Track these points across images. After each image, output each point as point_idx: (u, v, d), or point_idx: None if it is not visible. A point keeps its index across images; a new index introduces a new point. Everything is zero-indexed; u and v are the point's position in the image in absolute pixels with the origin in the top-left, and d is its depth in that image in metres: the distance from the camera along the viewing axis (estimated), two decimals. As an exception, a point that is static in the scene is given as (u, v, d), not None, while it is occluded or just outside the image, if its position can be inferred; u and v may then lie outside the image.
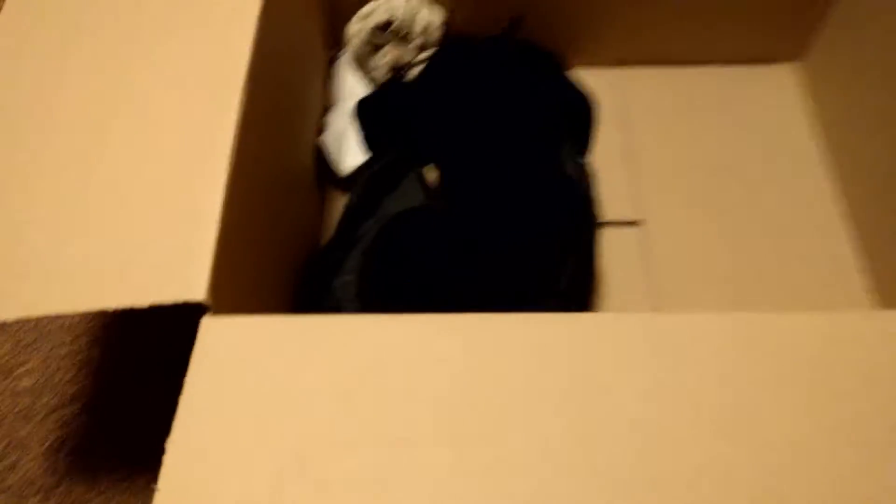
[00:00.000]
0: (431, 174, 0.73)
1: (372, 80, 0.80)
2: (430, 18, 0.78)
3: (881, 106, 0.70)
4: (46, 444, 0.70)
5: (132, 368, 0.75)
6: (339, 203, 0.78)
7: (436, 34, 0.80)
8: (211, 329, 0.38)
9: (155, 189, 0.43)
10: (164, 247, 0.41)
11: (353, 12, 0.81)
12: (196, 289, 0.39)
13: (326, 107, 0.82)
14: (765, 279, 0.71)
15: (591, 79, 0.82)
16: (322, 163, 0.78)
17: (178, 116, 0.46)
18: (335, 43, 0.85)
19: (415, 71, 0.80)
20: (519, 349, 0.35)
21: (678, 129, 0.82)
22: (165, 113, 0.47)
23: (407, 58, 0.78)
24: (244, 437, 0.33)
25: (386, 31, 0.77)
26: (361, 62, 0.78)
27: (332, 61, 0.85)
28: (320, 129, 0.79)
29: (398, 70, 0.78)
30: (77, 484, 0.68)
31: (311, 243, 0.75)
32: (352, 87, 0.80)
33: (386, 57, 0.77)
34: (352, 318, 0.38)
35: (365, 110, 0.77)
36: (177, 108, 0.47)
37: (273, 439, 0.33)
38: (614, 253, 0.72)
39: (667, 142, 0.81)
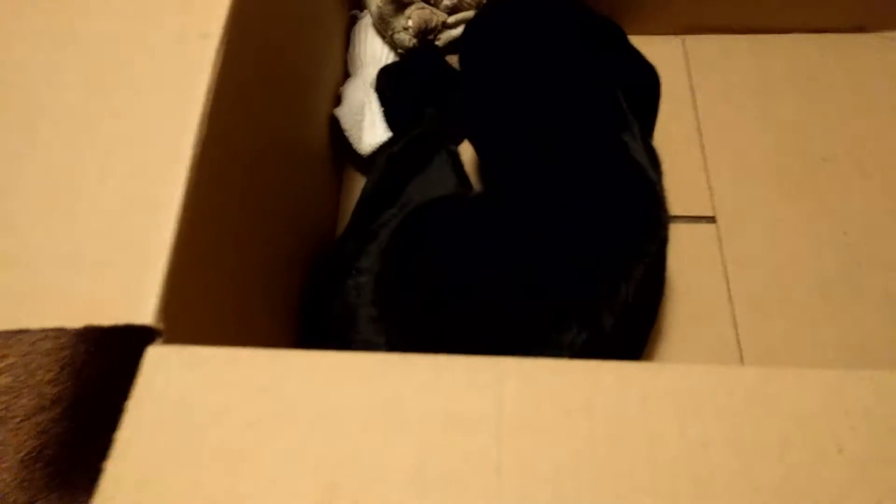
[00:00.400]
0: (465, 154, 0.63)
1: (395, 44, 0.69)
2: (460, -25, 0.68)
3: None
4: (22, 453, 0.62)
5: (121, 370, 0.66)
6: (360, 186, 0.69)
7: None
8: (156, 361, 0.28)
9: (102, 176, 0.33)
10: (111, 250, 0.31)
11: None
12: (144, 309, 0.29)
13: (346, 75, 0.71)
14: (863, 289, 0.59)
15: (653, 49, 0.69)
16: (339, 139, 0.68)
17: (139, 82, 0.36)
18: (356, 2, 0.75)
19: (445, 36, 0.69)
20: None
21: (754, 108, 0.70)
22: (124, 75, 0.36)
23: (435, 21, 0.67)
24: (175, 483, 0.26)
25: None
26: (383, 24, 0.67)
27: (351, 23, 0.74)
28: (338, 100, 0.68)
29: (425, 34, 0.67)
30: (54, 500, 0.60)
31: (324, 235, 0.65)
32: (374, 52, 0.70)
33: (411, 19, 0.66)
34: (342, 358, 0.27)
35: (388, 80, 0.67)
36: (139, 71, 0.37)
37: (207, 488, 0.26)
38: (685, 254, 0.61)
39: (742, 123, 0.69)
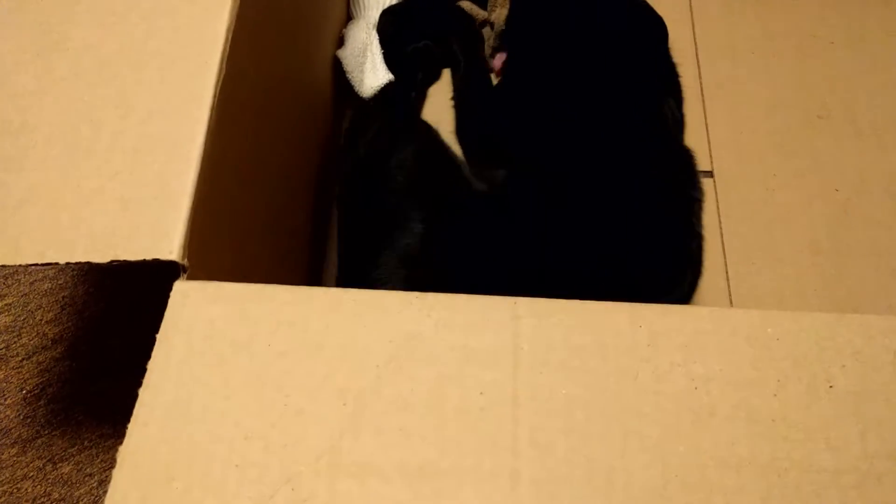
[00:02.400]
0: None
1: None
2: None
3: None
4: (24, 391, 0.63)
5: (121, 309, 0.67)
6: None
7: None
8: (183, 295, 0.29)
9: (124, 114, 0.33)
10: (134, 187, 0.32)
11: None
12: (169, 245, 0.30)
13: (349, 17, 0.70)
14: (851, 243, 0.61)
15: (657, 2, 0.69)
16: (341, 79, 0.67)
17: (157, 24, 0.36)
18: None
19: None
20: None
21: (755, 64, 0.70)
22: (141, 18, 0.36)
23: None
24: (209, 409, 0.28)
25: None
26: None
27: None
28: (341, 41, 0.68)
29: None
30: (57, 437, 0.61)
31: (328, 171, 0.65)
32: (377, -7, 0.69)
33: None
34: (364, 295, 0.29)
35: (392, 21, 0.66)
36: (157, 14, 0.36)
37: (236, 414, 0.27)
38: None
39: (742, 79, 0.70)
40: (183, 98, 0.33)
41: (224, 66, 0.34)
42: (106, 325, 0.66)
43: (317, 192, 0.63)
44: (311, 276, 0.60)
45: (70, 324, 0.67)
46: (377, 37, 0.66)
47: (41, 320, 0.67)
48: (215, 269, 0.35)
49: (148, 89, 0.34)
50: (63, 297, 0.68)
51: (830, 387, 0.26)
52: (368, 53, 0.65)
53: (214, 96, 0.33)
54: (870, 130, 0.66)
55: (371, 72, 0.65)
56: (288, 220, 0.53)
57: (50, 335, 0.66)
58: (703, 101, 0.68)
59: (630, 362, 0.27)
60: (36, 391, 0.63)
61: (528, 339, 0.27)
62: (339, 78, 0.66)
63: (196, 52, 0.35)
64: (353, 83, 0.65)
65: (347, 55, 0.65)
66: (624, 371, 0.26)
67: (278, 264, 0.49)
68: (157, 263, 0.30)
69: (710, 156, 0.65)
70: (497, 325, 0.28)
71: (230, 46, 0.35)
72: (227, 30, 0.35)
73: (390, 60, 0.66)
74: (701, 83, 0.69)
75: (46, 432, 0.61)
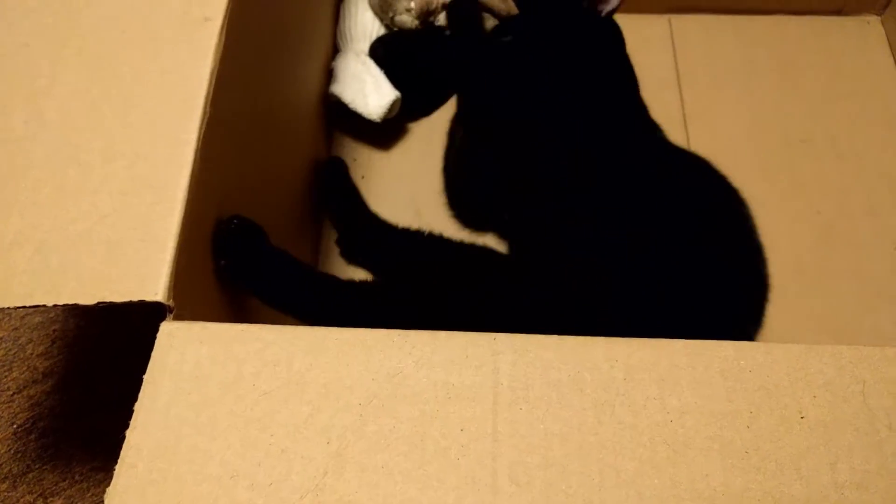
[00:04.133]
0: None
1: (395, 25, 0.69)
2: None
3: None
4: (15, 426, 0.63)
5: (113, 341, 0.67)
6: (348, 153, 0.70)
7: None
8: (170, 336, 0.30)
9: (110, 157, 0.34)
10: (121, 230, 0.33)
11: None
12: (155, 286, 0.31)
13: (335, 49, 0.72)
14: (834, 266, 0.62)
15: (640, 27, 0.71)
16: (328, 110, 0.68)
17: (143, 66, 0.37)
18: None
19: (444, 17, 0.69)
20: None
21: (737, 88, 0.72)
22: (128, 59, 0.37)
23: (436, 2, 0.68)
24: (195, 449, 0.28)
25: None
26: (385, 5, 0.67)
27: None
28: (330, 74, 0.69)
29: (427, 16, 0.68)
30: (48, 471, 0.61)
31: (314, 216, 0.66)
32: (364, 27, 0.70)
33: (414, 1, 0.67)
34: (346, 333, 0.29)
35: (389, 51, 0.67)
36: (143, 54, 0.37)
37: (222, 454, 0.28)
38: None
39: (724, 103, 0.71)
40: (168, 141, 0.34)
41: (208, 108, 0.35)
42: (97, 357, 0.66)
43: (306, 223, 0.63)
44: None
45: (61, 357, 0.67)
46: (371, 62, 0.67)
47: (32, 354, 0.67)
48: (203, 308, 0.35)
49: (134, 133, 0.35)
50: (54, 331, 0.68)
51: (801, 417, 0.27)
52: (367, 77, 0.66)
53: (199, 139, 0.34)
54: (850, 153, 0.68)
55: (375, 93, 0.65)
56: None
57: (41, 369, 0.66)
58: (686, 126, 0.70)
59: (606, 396, 0.27)
60: (27, 425, 0.63)
61: (508, 375, 0.28)
62: (327, 109, 0.67)
63: (181, 96, 0.35)
64: (358, 111, 0.65)
65: (344, 87, 0.66)
66: (601, 405, 0.27)
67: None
68: (143, 305, 0.30)
69: (694, 180, 0.66)
70: (477, 362, 0.28)
71: (214, 89, 0.36)
72: (211, 73, 0.36)
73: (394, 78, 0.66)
74: (683, 109, 0.71)
75: (37, 467, 0.61)
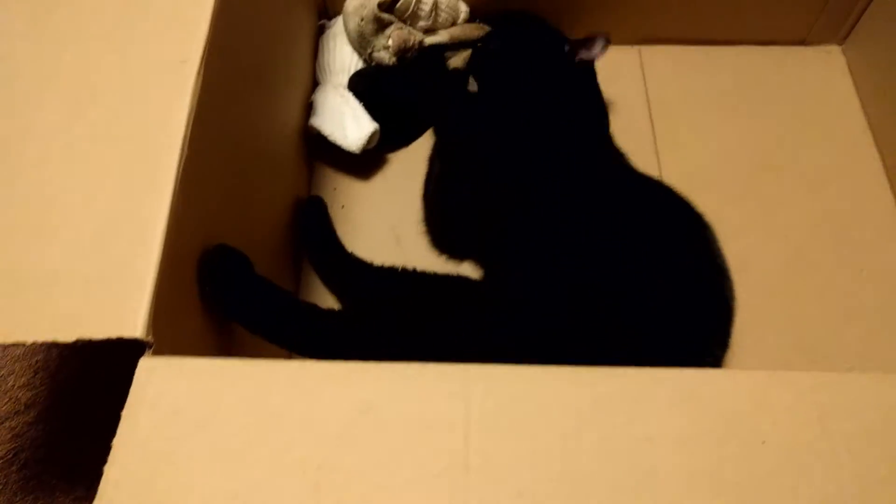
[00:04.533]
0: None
1: (373, 61, 0.71)
2: (438, -1, 0.70)
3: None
4: (-3, 457, 0.63)
5: (96, 371, 0.67)
6: (328, 183, 0.71)
7: (443, 16, 0.71)
8: (148, 371, 0.30)
9: (90, 196, 0.35)
10: (100, 267, 0.33)
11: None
12: (133, 322, 0.31)
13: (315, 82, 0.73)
14: (801, 289, 0.64)
15: (611, 58, 0.73)
16: (308, 144, 0.69)
17: (122, 106, 0.38)
18: (324, 12, 0.77)
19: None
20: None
21: (705, 117, 0.74)
22: (107, 100, 0.38)
23: (413, 40, 0.69)
24: (173, 485, 0.28)
25: (391, 10, 0.68)
26: (363, 42, 0.69)
27: (319, 32, 0.75)
28: (310, 109, 0.70)
29: (404, 52, 0.69)
30: (31, 503, 0.61)
31: (295, 246, 0.67)
32: (343, 61, 0.71)
33: (391, 38, 0.68)
34: (322, 366, 0.30)
35: (368, 85, 0.69)
36: (122, 96, 0.38)
37: (200, 489, 0.28)
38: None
39: (693, 132, 0.73)
40: (147, 180, 0.35)
41: (186, 147, 0.36)
42: (80, 388, 0.66)
43: (288, 252, 0.64)
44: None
45: (43, 388, 0.67)
46: (350, 94, 0.68)
47: (14, 385, 0.67)
48: (183, 342, 0.36)
49: (113, 172, 0.36)
50: (36, 362, 0.68)
51: (763, 443, 0.28)
52: (346, 110, 0.67)
53: (177, 177, 0.35)
54: (815, 179, 0.70)
55: (354, 125, 0.66)
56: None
57: (23, 400, 0.66)
58: (658, 154, 0.72)
59: (575, 425, 0.28)
60: (9, 456, 0.63)
61: (479, 405, 0.29)
62: (308, 141, 0.68)
63: (159, 136, 0.36)
64: (337, 143, 0.67)
65: (324, 120, 0.67)
66: (570, 434, 0.28)
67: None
68: (122, 341, 0.31)
69: (667, 207, 0.68)
70: (449, 393, 0.29)
71: (192, 129, 0.37)
72: (189, 113, 0.37)
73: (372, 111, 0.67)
74: (655, 137, 0.73)
75: (19, 499, 0.61)
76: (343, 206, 0.70)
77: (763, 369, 0.30)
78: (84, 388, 0.66)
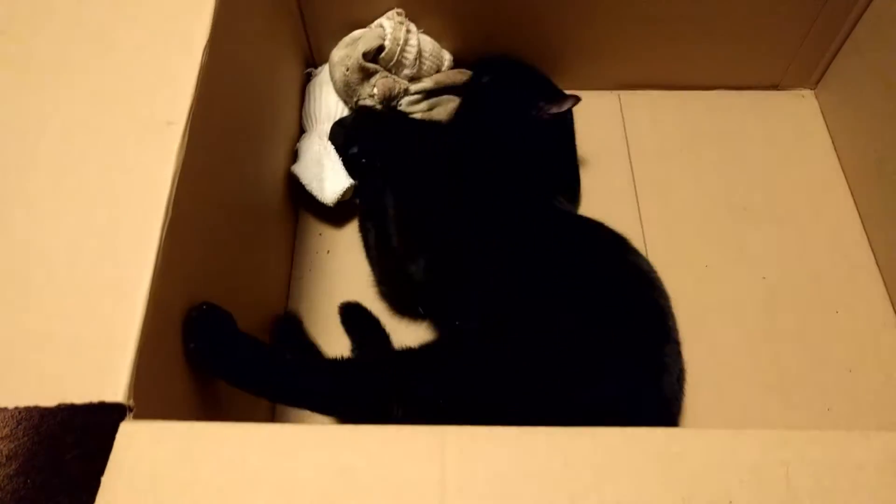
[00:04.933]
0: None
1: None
2: (420, 47, 0.72)
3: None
4: (-26, 513, 0.62)
5: (80, 422, 0.66)
6: (313, 233, 0.72)
7: (427, 64, 0.73)
8: (129, 436, 0.31)
9: (74, 259, 0.36)
10: (82, 330, 0.34)
11: (329, 27, 0.74)
12: (115, 386, 0.32)
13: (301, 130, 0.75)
14: (778, 328, 0.65)
15: (592, 103, 0.75)
16: (294, 191, 0.70)
17: (107, 168, 0.39)
18: (310, 60, 0.79)
19: (406, 101, 0.73)
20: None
21: (683, 160, 0.76)
22: (93, 162, 0.39)
23: (398, 88, 0.71)
24: None
25: (376, 59, 0.70)
26: (349, 91, 0.71)
27: (306, 80, 0.77)
28: (295, 156, 0.71)
29: (389, 101, 0.71)
30: (9, 558, 0.60)
31: (280, 292, 0.67)
32: (328, 109, 0.73)
33: (376, 87, 0.70)
34: (299, 430, 0.31)
35: (341, 133, 0.70)
36: (107, 157, 0.39)
37: None
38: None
39: (672, 175, 0.75)
40: (131, 242, 0.36)
41: (170, 209, 0.37)
42: (62, 439, 0.65)
43: (273, 302, 0.65)
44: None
45: (26, 439, 0.66)
46: (332, 147, 0.70)
47: (-6, 435, 0.66)
48: (166, 405, 0.36)
49: (97, 235, 0.36)
50: (19, 413, 0.67)
51: (730, 502, 0.29)
52: (326, 162, 0.69)
53: (161, 239, 0.36)
54: (790, 220, 0.72)
55: (331, 179, 0.68)
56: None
57: (5, 451, 0.65)
58: (637, 199, 0.73)
59: (547, 486, 0.29)
60: (-12, 510, 0.62)
61: (454, 467, 0.29)
62: (294, 190, 0.70)
63: (144, 198, 0.37)
64: (313, 193, 0.68)
65: (304, 169, 0.68)
66: (541, 496, 0.29)
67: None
68: (103, 406, 0.31)
69: (646, 249, 0.70)
70: (425, 456, 0.30)
71: (177, 190, 0.38)
72: (174, 175, 0.38)
73: (348, 166, 0.69)
74: (634, 180, 0.75)
75: (-2, 558, 0.60)
76: (329, 252, 0.71)
77: (732, 426, 0.31)
78: (67, 439, 0.65)
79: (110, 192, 0.38)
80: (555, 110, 0.67)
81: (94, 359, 0.33)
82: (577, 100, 0.67)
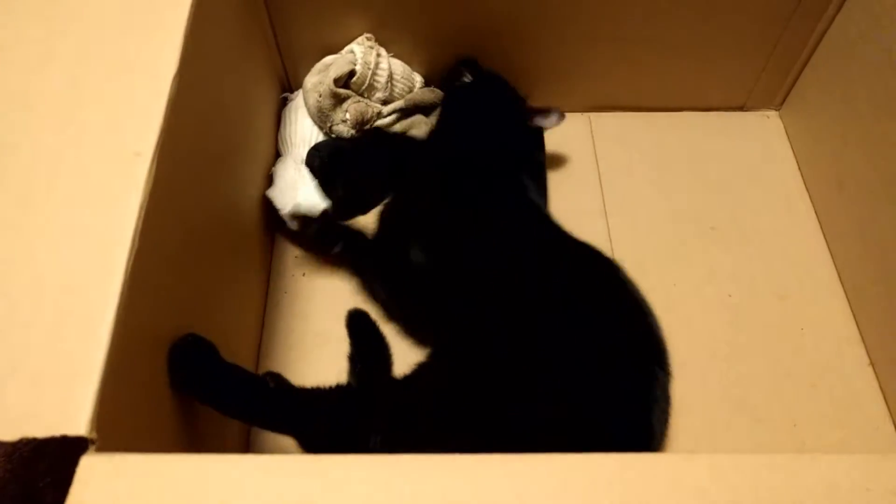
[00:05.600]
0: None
1: (333, 135, 0.73)
2: (391, 70, 0.73)
3: (860, 156, 0.67)
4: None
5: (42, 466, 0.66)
6: (289, 257, 0.72)
7: (399, 86, 0.75)
8: (90, 470, 0.31)
9: (37, 291, 0.36)
10: (45, 363, 0.34)
11: (304, 52, 0.75)
12: (77, 420, 0.32)
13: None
14: (744, 346, 0.66)
15: (561, 125, 0.76)
16: (269, 216, 0.71)
17: (73, 199, 0.39)
18: (285, 85, 0.79)
19: (379, 124, 0.74)
20: None
21: (652, 180, 0.78)
22: (59, 193, 0.40)
23: (371, 112, 0.72)
24: None
25: (347, 84, 0.71)
26: (322, 117, 0.72)
27: (281, 105, 0.78)
28: (270, 180, 0.72)
29: (362, 125, 0.72)
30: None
31: (257, 317, 0.68)
32: (304, 133, 0.73)
33: (349, 112, 0.71)
34: (259, 460, 0.31)
35: (318, 157, 0.71)
36: (73, 188, 0.40)
37: None
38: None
39: (641, 195, 0.77)
40: (97, 274, 0.36)
41: (137, 240, 0.38)
42: (35, 467, 0.65)
43: (249, 326, 0.65)
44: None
45: (-3, 465, 0.65)
46: (306, 171, 0.70)
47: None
48: (132, 437, 0.36)
49: (63, 266, 0.37)
50: (-10, 437, 0.67)
51: (680, 526, 0.29)
52: (301, 186, 0.69)
53: (127, 271, 0.36)
54: (756, 239, 0.73)
55: (305, 202, 0.69)
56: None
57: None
58: (607, 217, 0.75)
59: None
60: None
61: (411, 497, 0.30)
62: (270, 213, 0.70)
63: (110, 229, 0.38)
64: (285, 219, 0.69)
65: (278, 193, 0.69)
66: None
67: (206, 418, 0.51)
68: (65, 440, 0.32)
69: (616, 269, 0.71)
70: (385, 485, 0.30)
71: (143, 221, 0.38)
72: (141, 206, 0.39)
73: (325, 189, 0.69)
74: (604, 200, 0.76)
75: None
76: (304, 274, 0.72)
77: (699, 442, 0.32)
78: (40, 468, 0.65)
79: (76, 222, 0.38)
80: (540, 122, 0.70)
81: (58, 391, 0.33)
82: (562, 115, 0.71)
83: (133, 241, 0.38)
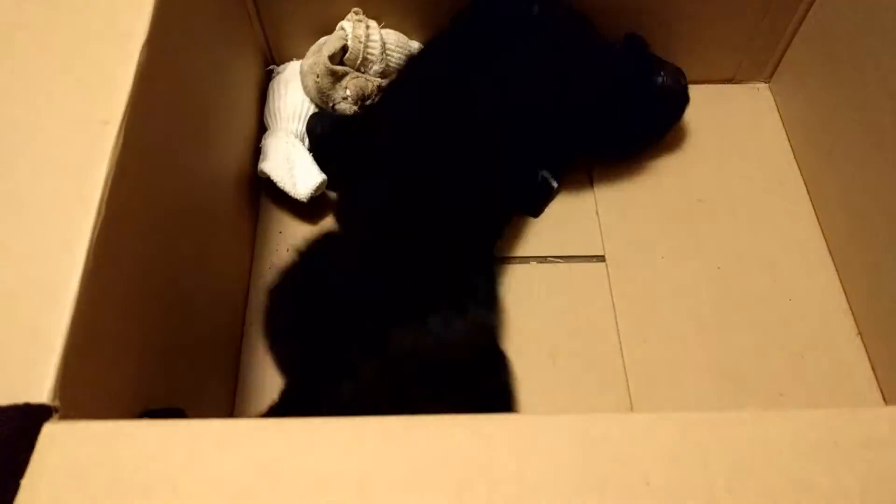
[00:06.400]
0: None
1: (336, 113, 0.73)
2: (384, 40, 0.72)
3: (851, 126, 0.66)
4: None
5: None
6: (274, 226, 0.72)
7: (395, 56, 0.74)
8: (51, 437, 0.31)
9: (3, 257, 0.36)
10: (7, 330, 0.34)
11: (288, 26, 0.74)
12: (40, 387, 0.32)
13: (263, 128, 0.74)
14: (732, 319, 0.66)
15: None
16: (255, 189, 0.71)
17: (38, 167, 0.39)
18: (269, 58, 0.79)
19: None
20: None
21: (642, 152, 0.77)
22: (23, 161, 0.39)
23: (370, 87, 0.72)
24: None
25: (342, 61, 0.71)
26: (323, 97, 0.71)
27: (267, 78, 0.77)
28: (257, 154, 0.72)
29: (363, 100, 0.72)
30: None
31: (238, 291, 0.67)
32: (294, 106, 0.73)
33: (348, 89, 0.71)
34: (223, 424, 0.31)
35: (321, 124, 0.71)
36: (38, 157, 0.39)
37: None
38: (578, 290, 0.67)
39: (629, 167, 0.76)
40: (60, 242, 0.36)
41: (103, 208, 0.37)
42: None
43: (226, 313, 0.65)
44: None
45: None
46: (299, 143, 0.70)
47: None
48: (96, 405, 0.36)
49: (25, 234, 0.36)
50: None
51: (647, 484, 0.29)
52: (296, 158, 0.69)
53: (92, 239, 0.36)
54: (744, 211, 0.73)
55: (303, 175, 0.68)
56: (191, 343, 0.55)
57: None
58: (594, 190, 0.74)
59: (468, 474, 0.29)
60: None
61: (373, 457, 0.30)
62: (257, 184, 0.69)
63: (75, 197, 0.37)
64: (286, 190, 0.69)
65: (274, 167, 0.69)
66: (462, 483, 0.29)
67: (177, 388, 0.50)
68: (28, 407, 0.31)
69: (602, 240, 0.70)
70: (346, 447, 0.30)
71: (110, 190, 0.38)
72: (107, 175, 0.38)
73: (321, 161, 0.69)
74: (591, 173, 0.75)
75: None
76: (288, 249, 0.71)
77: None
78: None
79: (40, 191, 0.38)
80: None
81: (20, 359, 0.33)
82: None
83: (99, 209, 0.37)
